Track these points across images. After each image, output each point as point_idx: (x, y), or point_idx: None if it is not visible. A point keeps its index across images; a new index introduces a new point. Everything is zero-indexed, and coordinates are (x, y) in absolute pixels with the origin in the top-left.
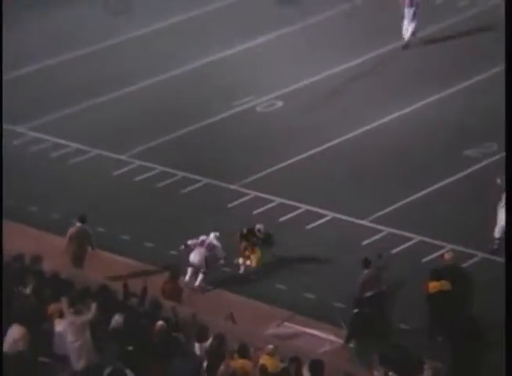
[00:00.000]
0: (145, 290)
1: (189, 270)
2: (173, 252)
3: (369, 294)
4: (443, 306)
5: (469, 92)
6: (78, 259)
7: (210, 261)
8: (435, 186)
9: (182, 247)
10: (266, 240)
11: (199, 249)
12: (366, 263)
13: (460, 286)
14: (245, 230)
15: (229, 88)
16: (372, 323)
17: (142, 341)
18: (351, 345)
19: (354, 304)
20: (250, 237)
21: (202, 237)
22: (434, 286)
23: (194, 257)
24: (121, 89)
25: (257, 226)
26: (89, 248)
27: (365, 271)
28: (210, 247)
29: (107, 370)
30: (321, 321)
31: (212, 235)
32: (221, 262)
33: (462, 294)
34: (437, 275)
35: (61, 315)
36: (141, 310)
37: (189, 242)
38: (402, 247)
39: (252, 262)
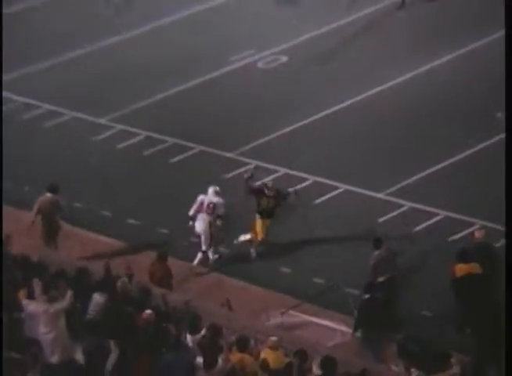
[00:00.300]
0: (129, 270)
1: (199, 255)
2: (162, 230)
3: (381, 279)
4: (471, 292)
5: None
6: (50, 237)
7: (214, 226)
8: (462, 155)
9: (190, 223)
10: (278, 197)
11: (201, 216)
12: (377, 243)
13: (492, 269)
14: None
15: (227, 41)
16: (383, 310)
17: (128, 332)
18: (358, 334)
19: (365, 289)
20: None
21: (200, 197)
22: (461, 268)
23: (199, 226)
24: (101, 41)
25: (264, 182)
26: (63, 224)
27: (376, 252)
28: (211, 209)
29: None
30: (331, 309)
31: (211, 190)
32: (218, 222)
33: (494, 279)
34: (465, 256)
35: (31, 297)
36: (125, 296)
37: (191, 212)
38: (425, 224)
39: (259, 235)
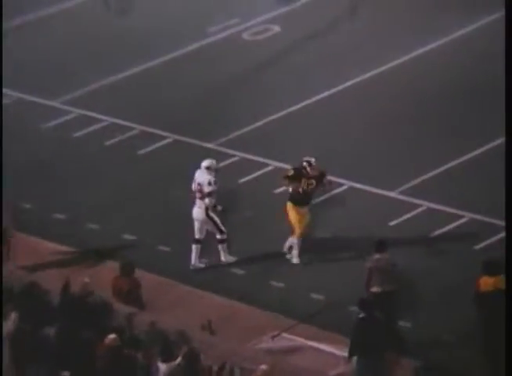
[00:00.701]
0: (66, 285)
1: (194, 248)
2: (128, 236)
3: (376, 289)
4: (496, 312)
5: None
6: None
7: (213, 212)
8: (489, 146)
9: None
10: (321, 179)
11: (198, 202)
12: (380, 246)
13: None
14: (291, 172)
15: (205, 8)
16: (383, 331)
17: (85, 361)
18: (355, 360)
19: (360, 305)
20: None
21: (196, 177)
22: (486, 282)
23: (196, 213)
24: (52, 5)
25: (306, 159)
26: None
27: (377, 255)
28: (200, 191)
29: None
30: (332, 331)
31: (202, 165)
32: (219, 207)
33: None
34: (491, 267)
35: None
36: (82, 318)
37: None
38: (446, 228)
39: (296, 229)
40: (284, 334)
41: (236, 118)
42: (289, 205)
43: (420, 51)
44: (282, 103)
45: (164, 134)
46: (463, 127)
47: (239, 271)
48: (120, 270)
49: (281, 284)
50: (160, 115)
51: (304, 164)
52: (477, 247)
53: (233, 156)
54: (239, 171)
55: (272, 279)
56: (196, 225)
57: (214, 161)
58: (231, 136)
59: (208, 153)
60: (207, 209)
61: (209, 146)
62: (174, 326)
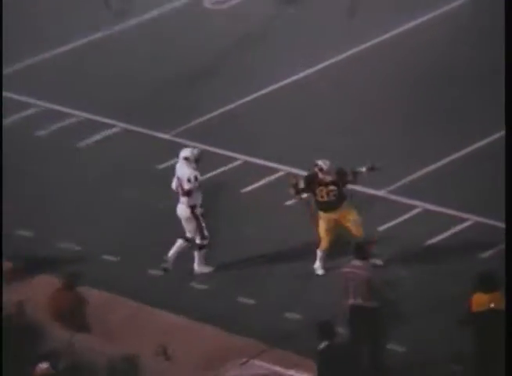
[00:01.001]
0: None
1: (178, 242)
2: (65, 245)
3: (354, 302)
4: (492, 334)
5: None
6: None
7: (196, 210)
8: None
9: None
10: (342, 181)
11: (182, 199)
12: (359, 251)
13: None
14: (301, 183)
15: None
16: (357, 358)
17: None
18: None
19: (319, 331)
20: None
21: (176, 170)
22: (479, 300)
23: (179, 210)
24: None
25: (317, 163)
26: None
27: (356, 262)
28: (179, 187)
29: None
30: (310, 357)
31: (180, 156)
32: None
33: None
34: (486, 282)
35: None
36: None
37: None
38: (446, 234)
39: (354, 229)
40: (254, 361)
41: (197, 103)
42: (319, 214)
43: (406, 27)
44: (248, 85)
45: (110, 122)
46: (460, 116)
47: (201, 285)
48: (62, 282)
49: (251, 301)
50: (104, 99)
51: (316, 169)
52: (484, 255)
53: (194, 148)
54: (201, 166)
55: (240, 295)
56: (184, 226)
57: (194, 151)
58: (191, 125)
59: (164, 146)
60: (191, 208)
61: (165, 136)
62: (122, 351)
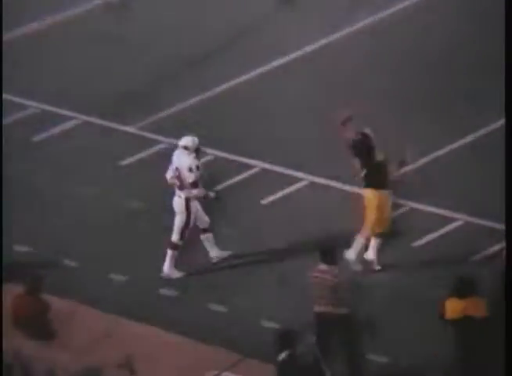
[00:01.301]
0: None
1: (168, 253)
2: (23, 248)
3: (319, 310)
4: (468, 345)
5: None
6: None
7: (193, 201)
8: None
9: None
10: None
11: (178, 192)
12: (326, 256)
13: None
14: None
15: None
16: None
17: None
18: None
19: (277, 341)
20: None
21: (173, 160)
22: (453, 307)
23: (176, 205)
24: None
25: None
26: None
27: (322, 266)
28: (178, 178)
29: None
30: None
31: (180, 144)
32: (211, 194)
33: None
34: (461, 287)
35: None
36: None
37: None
38: (435, 235)
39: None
40: (227, 374)
41: (164, 94)
42: (368, 192)
43: (398, 8)
44: (223, 71)
45: (69, 114)
46: (454, 103)
47: (170, 292)
48: (26, 287)
49: (222, 308)
50: (62, 89)
51: (361, 137)
52: (475, 258)
53: (160, 142)
54: (167, 163)
55: (210, 301)
56: (175, 223)
57: (195, 139)
58: (157, 117)
59: (128, 139)
60: (187, 200)
61: (129, 129)
62: (84, 364)
